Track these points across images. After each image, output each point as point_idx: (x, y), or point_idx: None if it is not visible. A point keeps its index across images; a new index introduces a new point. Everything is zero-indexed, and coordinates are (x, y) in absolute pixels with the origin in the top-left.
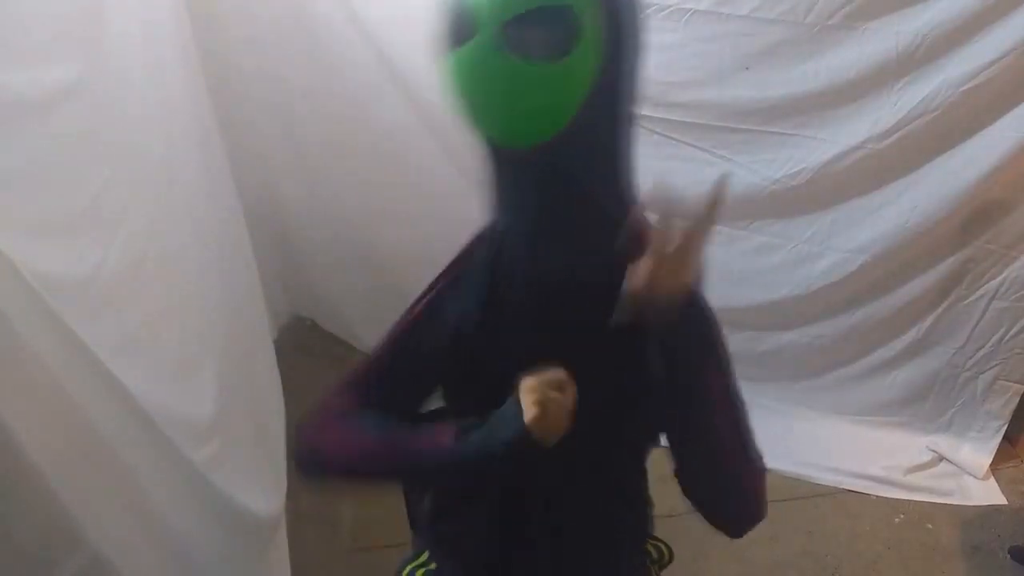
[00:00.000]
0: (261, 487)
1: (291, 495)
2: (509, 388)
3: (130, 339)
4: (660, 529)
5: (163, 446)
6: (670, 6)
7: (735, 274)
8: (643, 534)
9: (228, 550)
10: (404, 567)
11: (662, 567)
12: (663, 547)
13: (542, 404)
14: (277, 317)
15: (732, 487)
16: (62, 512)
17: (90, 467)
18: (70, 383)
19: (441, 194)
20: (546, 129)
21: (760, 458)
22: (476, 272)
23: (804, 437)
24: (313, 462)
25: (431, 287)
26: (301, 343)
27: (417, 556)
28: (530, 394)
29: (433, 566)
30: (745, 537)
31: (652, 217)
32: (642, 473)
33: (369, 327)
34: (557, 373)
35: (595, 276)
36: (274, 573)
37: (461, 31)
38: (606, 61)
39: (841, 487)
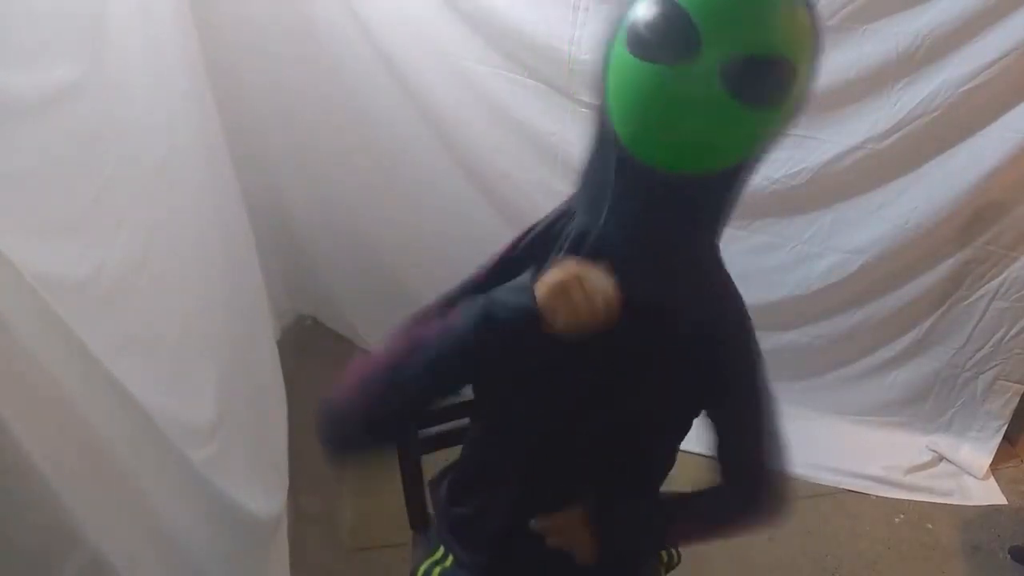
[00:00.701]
0: (261, 487)
1: (291, 495)
2: (544, 386)
3: (131, 339)
4: None
5: (163, 446)
6: None
7: (735, 274)
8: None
9: (228, 550)
10: (420, 564)
11: (669, 569)
12: (673, 551)
13: (563, 285)
14: (280, 317)
15: None
16: (61, 512)
17: (90, 467)
18: (70, 383)
19: (443, 194)
20: (715, 164)
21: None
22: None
23: (804, 437)
24: (333, 422)
25: (504, 252)
26: (304, 343)
27: (433, 552)
28: (558, 272)
29: (449, 562)
30: (745, 537)
31: None
32: (661, 478)
33: (372, 326)
34: (599, 271)
35: (669, 304)
36: (274, 573)
37: (674, 47)
38: (797, 114)
39: (841, 487)
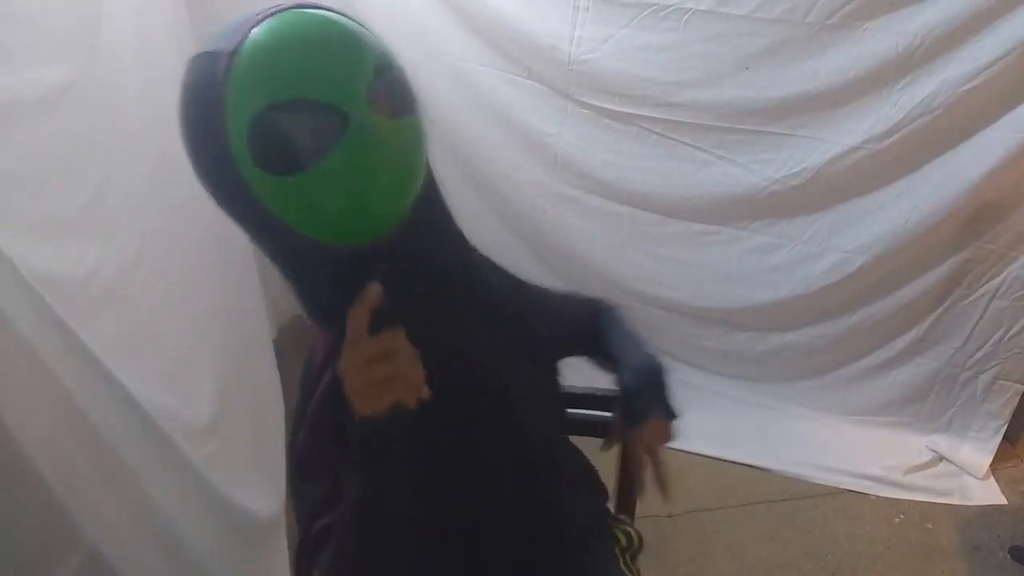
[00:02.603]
0: (260, 486)
1: None
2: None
3: (129, 338)
4: (659, 529)
5: (162, 445)
6: (670, 6)
7: (735, 274)
8: (598, 518)
9: (227, 550)
10: None
11: (633, 554)
12: (632, 532)
13: (363, 389)
14: (277, 316)
15: None
16: (60, 511)
17: (89, 466)
18: (69, 382)
19: None
20: (414, 185)
21: None
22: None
23: (804, 437)
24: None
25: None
26: (301, 342)
27: None
28: (350, 376)
29: None
30: (745, 537)
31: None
32: (576, 453)
33: None
34: (382, 342)
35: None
36: (273, 573)
37: (315, 140)
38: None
39: (841, 487)
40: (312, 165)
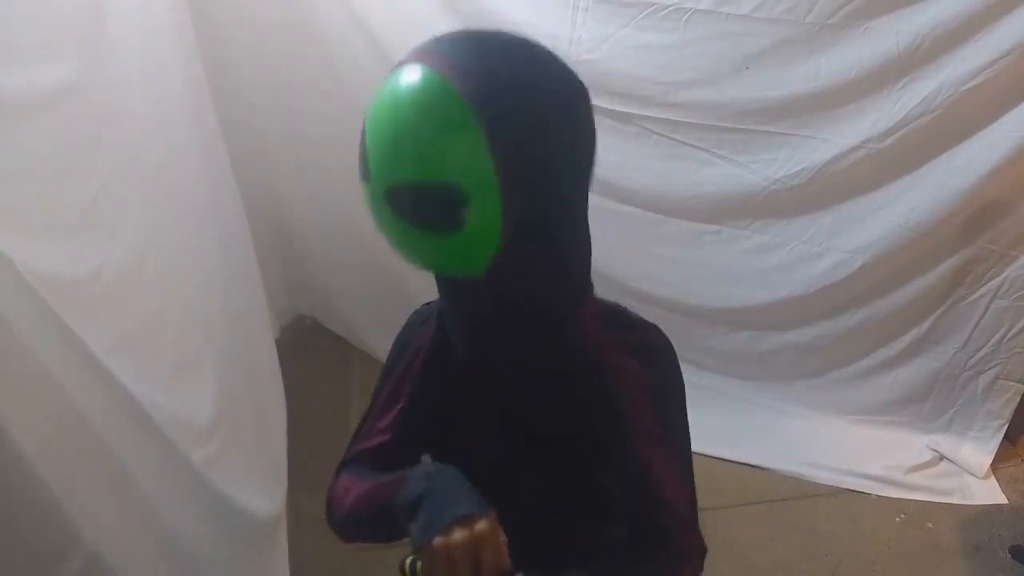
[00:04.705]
0: (261, 487)
1: (291, 495)
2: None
3: (130, 339)
4: None
5: (163, 446)
6: (670, 6)
7: (735, 274)
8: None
9: (228, 550)
10: (406, 559)
11: None
12: None
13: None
14: (279, 316)
15: None
16: (61, 512)
17: (89, 467)
18: (69, 383)
19: None
20: (466, 271)
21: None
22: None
23: (804, 437)
24: (331, 516)
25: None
26: (303, 342)
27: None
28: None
29: None
30: (745, 537)
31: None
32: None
33: (370, 326)
34: (476, 534)
35: (542, 368)
36: (274, 573)
37: (361, 173)
38: (519, 207)
39: (841, 487)
40: (364, 182)
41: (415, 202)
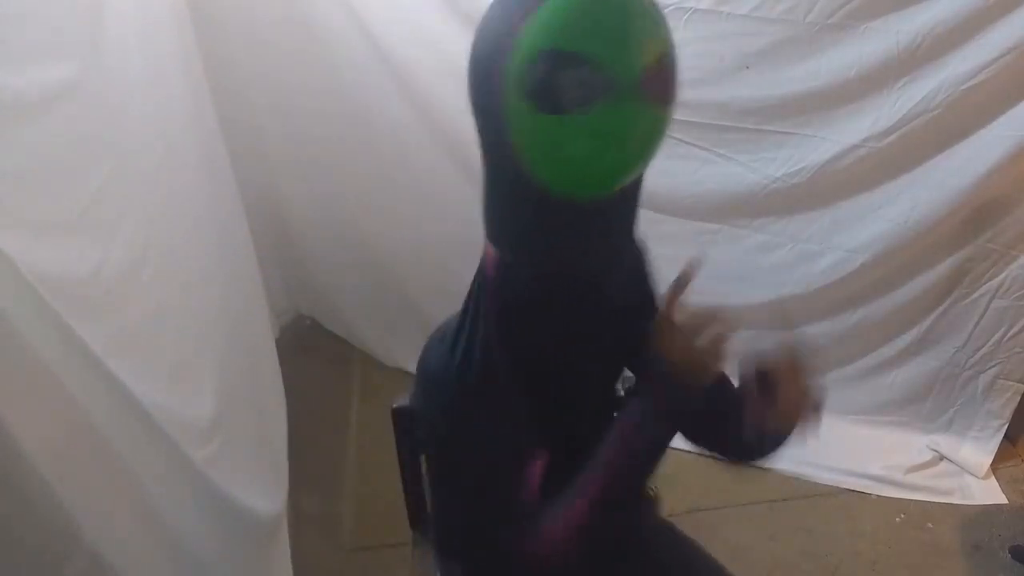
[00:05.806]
0: (262, 487)
1: (291, 495)
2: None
3: (131, 338)
4: None
5: (163, 445)
6: (670, 5)
7: (735, 273)
8: None
9: (228, 550)
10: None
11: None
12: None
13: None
14: (279, 316)
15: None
16: (61, 512)
17: (90, 467)
18: (70, 383)
19: (441, 193)
20: (636, 172)
21: None
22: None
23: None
24: (568, 550)
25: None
26: (303, 342)
27: None
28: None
29: None
30: (745, 537)
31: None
32: None
33: (370, 326)
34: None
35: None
36: (275, 573)
37: (582, 92)
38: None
39: (841, 487)
40: (570, 113)
41: (665, 73)
